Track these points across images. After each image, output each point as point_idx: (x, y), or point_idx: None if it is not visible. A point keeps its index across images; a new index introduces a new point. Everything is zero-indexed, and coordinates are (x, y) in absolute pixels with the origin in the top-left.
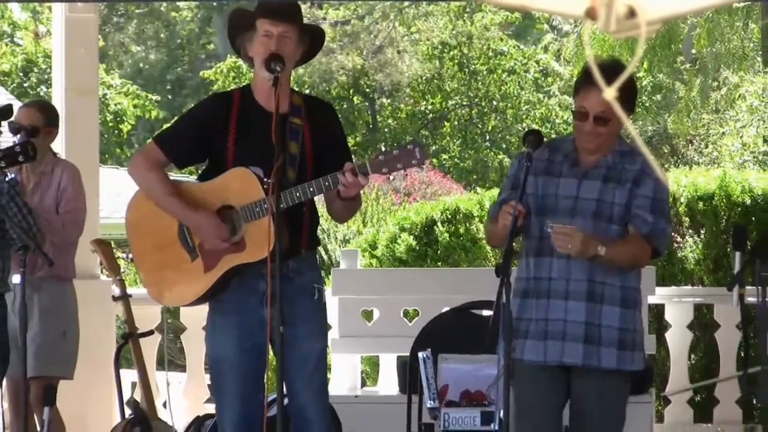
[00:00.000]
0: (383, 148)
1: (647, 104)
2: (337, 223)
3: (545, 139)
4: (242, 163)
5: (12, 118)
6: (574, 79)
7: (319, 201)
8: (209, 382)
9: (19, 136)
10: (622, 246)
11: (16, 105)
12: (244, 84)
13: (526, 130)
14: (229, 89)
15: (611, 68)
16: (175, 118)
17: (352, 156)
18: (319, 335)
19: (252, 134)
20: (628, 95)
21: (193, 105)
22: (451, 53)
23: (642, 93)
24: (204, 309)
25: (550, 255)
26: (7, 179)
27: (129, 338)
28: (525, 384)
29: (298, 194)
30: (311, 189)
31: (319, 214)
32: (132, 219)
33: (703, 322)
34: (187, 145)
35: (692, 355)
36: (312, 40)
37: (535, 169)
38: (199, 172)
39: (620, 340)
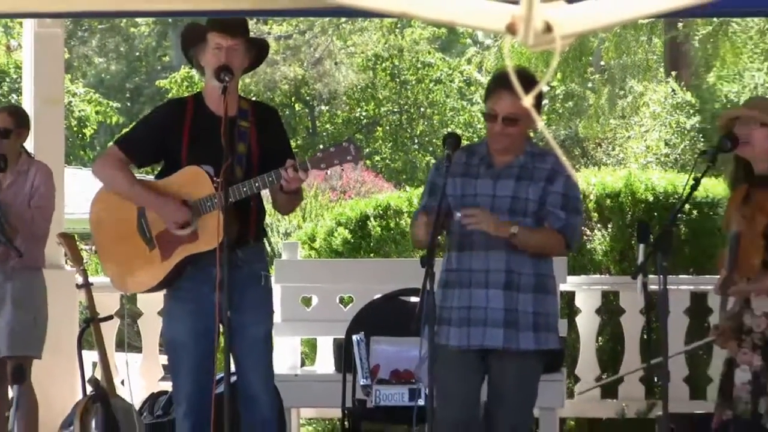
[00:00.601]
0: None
1: (560, 111)
2: (281, 215)
3: (464, 143)
4: (195, 162)
5: None
6: None
7: (266, 197)
8: (164, 362)
9: None
10: (537, 232)
11: None
12: (196, 92)
13: (446, 133)
14: (183, 96)
15: (523, 77)
16: (134, 123)
17: (294, 154)
18: (265, 319)
19: (204, 136)
20: (537, 101)
21: (150, 110)
22: (384, 64)
23: (556, 100)
24: (159, 295)
25: (471, 249)
26: None
27: (91, 322)
28: (448, 366)
29: (245, 189)
30: (257, 184)
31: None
32: (95, 214)
33: (609, 308)
34: (145, 146)
35: (600, 338)
36: (258, 51)
37: (454, 172)
38: (156, 171)
39: (536, 323)
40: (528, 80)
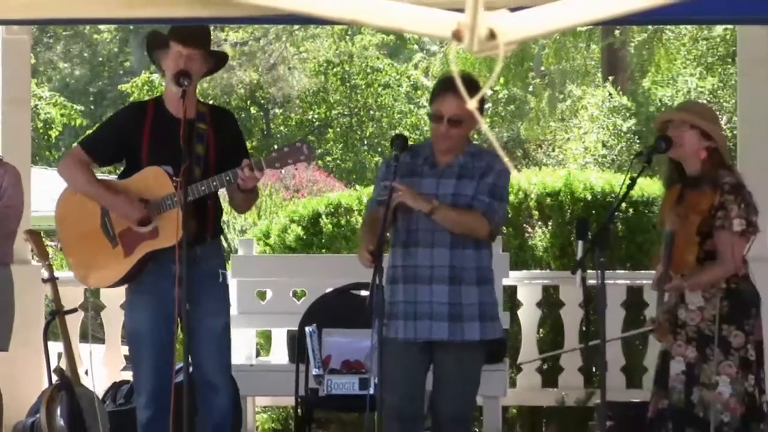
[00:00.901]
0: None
1: (503, 113)
2: (238, 213)
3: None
4: (155, 163)
5: None
6: None
7: (223, 196)
8: (125, 353)
9: None
10: (458, 210)
11: None
12: (156, 95)
13: (394, 134)
14: (144, 99)
15: (467, 81)
16: (97, 125)
17: (249, 154)
18: (222, 312)
19: (163, 138)
20: (481, 104)
21: (112, 113)
22: (335, 69)
23: (498, 104)
24: (121, 289)
25: (416, 246)
26: None
27: (56, 315)
28: (396, 358)
29: (203, 188)
30: (214, 183)
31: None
32: (60, 213)
33: (550, 301)
34: (107, 147)
35: (541, 330)
36: (216, 60)
37: (401, 172)
38: (119, 171)
39: (481, 313)
40: (472, 84)
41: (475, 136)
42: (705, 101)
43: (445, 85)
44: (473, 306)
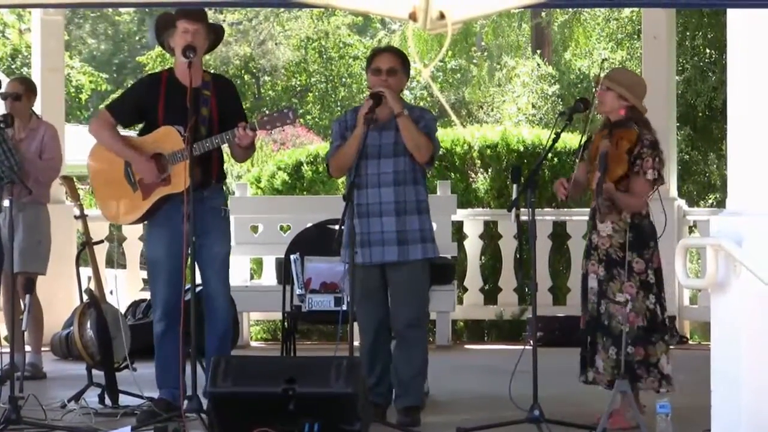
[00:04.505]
0: (266, 111)
1: (450, 81)
2: (237, 163)
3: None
4: (169, 123)
5: (1, 90)
6: None
7: (226, 149)
8: (143, 277)
9: (6, 101)
10: (418, 130)
11: (5, 80)
12: (169, 67)
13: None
14: (158, 71)
15: (396, 50)
16: (121, 92)
17: (246, 116)
18: (224, 242)
19: (175, 102)
20: (408, 66)
21: (133, 82)
22: (313, 44)
23: (447, 73)
24: (140, 224)
25: (367, 187)
26: None
27: (86, 245)
28: (360, 281)
29: (207, 144)
30: (216, 141)
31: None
32: (91, 162)
33: (490, 234)
34: (129, 110)
35: (483, 257)
36: (215, 35)
37: (350, 126)
38: (138, 129)
39: (422, 237)
40: (399, 52)
41: (428, 99)
42: None
43: (380, 49)
44: (416, 232)
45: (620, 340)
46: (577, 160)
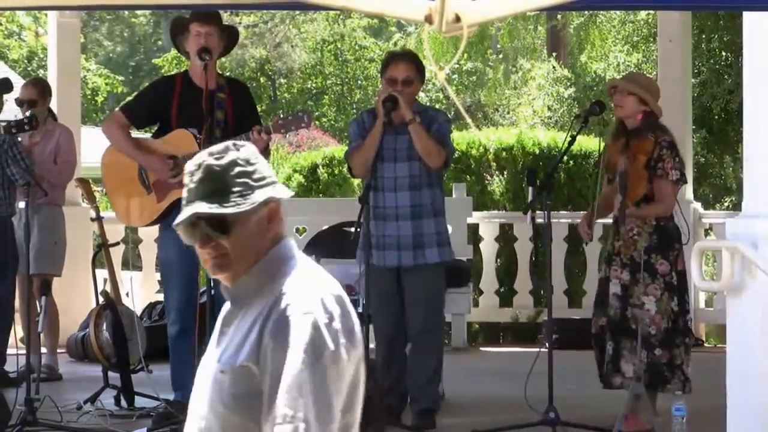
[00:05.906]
0: (281, 115)
1: (466, 83)
2: None
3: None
4: (183, 126)
5: (16, 95)
6: None
7: None
8: (159, 279)
9: (22, 108)
10: (429, 136)
11: (20, 81)
12: (184, 69)
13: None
14: (173, 73)
15: (411, 54)
16: (135, 94)
17: (260, 120)
18: None
19: (190, 105)
20: (422, 73)
21: (147, 84)
22: (329, 47)
23: (463, 75)
24: (155, 227)
25: (383, 190)
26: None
27: (102, 247)
28: (375, 283)
29: None
30: None
31: None
32: (106, 164)
33: (505, 236)
34: (143, 112)
35: (498, 260)
36: (230, 37)
37: (367, 128)
38: (152, 131)
39: (438, 241)
40: (413, 56)
41: (444, 101)
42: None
43: (395, 56)
44: (432, 235)
45: (649, 343)
46: (598, 178)
